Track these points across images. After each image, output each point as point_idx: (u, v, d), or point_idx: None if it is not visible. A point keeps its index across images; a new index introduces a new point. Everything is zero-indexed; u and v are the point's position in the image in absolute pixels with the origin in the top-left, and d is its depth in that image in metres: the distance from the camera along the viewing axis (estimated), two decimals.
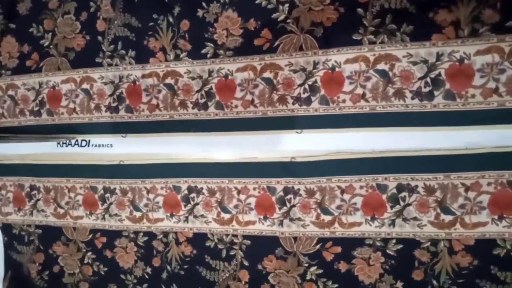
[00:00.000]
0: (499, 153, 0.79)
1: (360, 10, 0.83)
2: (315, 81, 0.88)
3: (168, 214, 1.01)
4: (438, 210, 0.84)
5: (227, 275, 0.99)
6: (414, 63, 0.82)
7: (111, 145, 1.04)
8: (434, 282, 0.85)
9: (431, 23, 0.80)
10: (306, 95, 0.89)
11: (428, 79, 0.81)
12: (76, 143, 1.06)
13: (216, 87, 0.94)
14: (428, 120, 0.82)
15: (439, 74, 0.81)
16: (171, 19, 0.95)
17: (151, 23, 0.96)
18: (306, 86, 0.89)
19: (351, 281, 0.90)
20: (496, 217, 0.81)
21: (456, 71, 0.80)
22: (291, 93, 0.90)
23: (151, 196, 1.02)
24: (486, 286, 0.83)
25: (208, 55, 0.94)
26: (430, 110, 0.82)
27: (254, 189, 0.95)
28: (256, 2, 0.89)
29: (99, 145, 1.05)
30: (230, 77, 0.93)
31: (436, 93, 0.81)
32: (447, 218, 0.83)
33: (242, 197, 0.96)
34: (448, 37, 0.79)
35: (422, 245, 0.86)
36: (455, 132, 0.81)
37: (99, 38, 1.02)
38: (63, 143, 1.07)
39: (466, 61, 0.79)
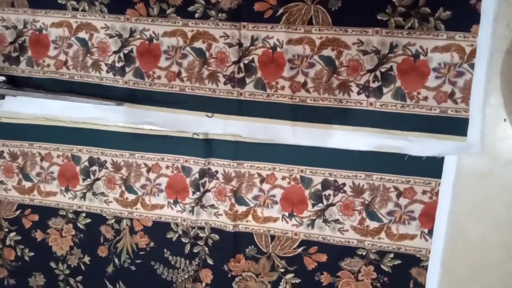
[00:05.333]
0: (175, 137, 0.79)
1: None
2: (24, 41, 0.85)
3: None
4: (123, 188, 0.83)
5: None
6: (110, 36, 0.80)
7: None
8: (116, 260, 0.85)
9: None
10: (16, 54, 0.85)
11: (121, 54, 0.80)
12: None
13: None
14: (117, 95, 0.81)
15: (131, 51, 0.80)
16: None
17: None
18: (16, 45, 0.85)
19: (45, 250, 0.89)
20: (171, 201, 0.81)
21: (145, 50, 0.79)
22: (3, 51, 0.86)
23: None
24: (160, 269, 0.83)
25: None
26: (121, 86, 0.81)
27: None
28: None
29: None
30: None
31: (127, 69, 0.80)
32: (130, 196, 0.83)
33: None
34: (140, 13, 0.78)
35: (108, 221, 0.85)
36: (138, 110, 0.80)
37: None
38: None
39: (155, 41, 0.78)
